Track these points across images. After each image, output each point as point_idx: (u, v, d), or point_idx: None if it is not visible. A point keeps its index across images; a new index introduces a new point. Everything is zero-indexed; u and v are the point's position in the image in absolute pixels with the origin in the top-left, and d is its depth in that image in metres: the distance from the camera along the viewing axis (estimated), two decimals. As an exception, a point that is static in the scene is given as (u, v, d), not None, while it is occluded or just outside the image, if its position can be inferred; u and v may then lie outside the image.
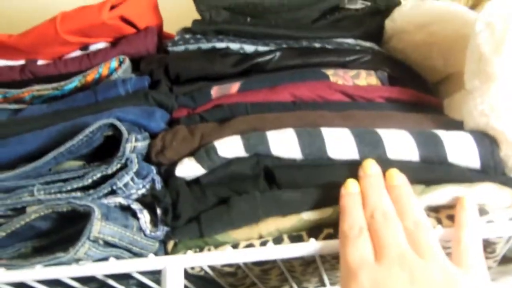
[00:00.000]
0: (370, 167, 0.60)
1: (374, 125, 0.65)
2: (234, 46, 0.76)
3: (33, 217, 0.61)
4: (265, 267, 0.67)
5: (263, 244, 0.61)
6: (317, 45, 0.76)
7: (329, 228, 0.61)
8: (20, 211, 0.64)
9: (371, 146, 0.62)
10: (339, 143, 0.62)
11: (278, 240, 0.61)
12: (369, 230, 0.56)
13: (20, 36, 0.76)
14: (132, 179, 0.63)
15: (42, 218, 0.62)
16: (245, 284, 0.74)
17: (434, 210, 0.60)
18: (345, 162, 0.63)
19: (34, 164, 0.65)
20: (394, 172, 0.59)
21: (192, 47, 0.77)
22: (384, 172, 0.60)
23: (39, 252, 0.63)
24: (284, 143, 0.63)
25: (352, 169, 0.62)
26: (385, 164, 0.61)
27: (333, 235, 0.60)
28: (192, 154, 0.65)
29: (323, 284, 0.75)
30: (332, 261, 0.66)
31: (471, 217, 0.56)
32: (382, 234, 0.54)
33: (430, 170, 0.61)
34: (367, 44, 0.77)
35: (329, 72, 0.72)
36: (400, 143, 0.61)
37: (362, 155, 0.62)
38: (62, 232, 0.64)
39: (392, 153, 0.61)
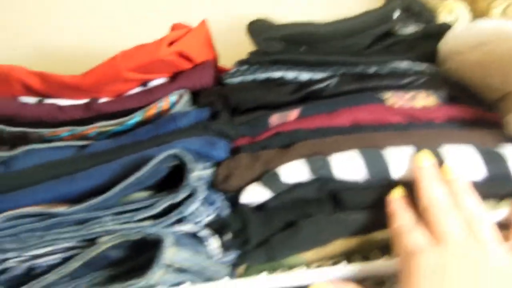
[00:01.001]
0: (423, 159, 0.61)
1: (437, 143, 0.65)
2: (290, 75, 0.77)
3: (105, 247, 0.63)
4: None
5: (335, 264, 0.61)
6: (372, 69, 0.77)
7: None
8: (92, 242, 0.66)
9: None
10: (403, 162, 0.63)
11: (348, 262, 0.61)
12: (424, 223, 0.57)
13: (82, 76, 0.79)
14: (199, 207, 0.64)
15: (115, 247, 0.64)
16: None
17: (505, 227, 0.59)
18: (410, 182, 0.63)
19: (104, 197, 0.66)
20: (449, 167, 0.60)
21: (248, 78, 0.78)
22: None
23: (114, 281, 0.64)
24: (347, 166, 0.64)
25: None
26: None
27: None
28: (256, 180, 0.66)
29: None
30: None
31: None
32: (438, 223, 0.55)
33: (498, 186, 0.61)
34: (422, 66, 0.78)
35: (386, 95, 0.73)
36: (465, 159, 0.61)
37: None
38: (135, 260, 0.65)
39: (458, 169, 0.61)
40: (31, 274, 0.66)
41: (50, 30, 1.24)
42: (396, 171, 0.63)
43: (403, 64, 0.78)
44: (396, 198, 0.61)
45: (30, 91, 0.82)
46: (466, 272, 0.50)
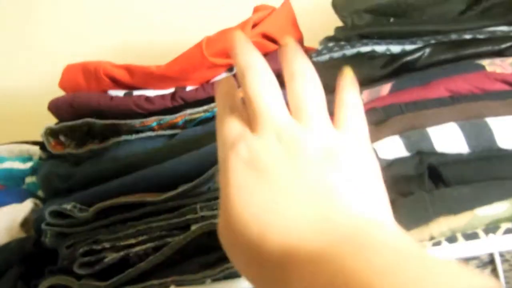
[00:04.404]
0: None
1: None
2: (380, 48, 0.73)
3: (197, 234, 0.62)
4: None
5: (437, 244, 0.57)
6: (467, 36, 0.72)
7: (507, 222, 0.57)
8: (184, 229, 0.65)
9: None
10: (509, 131, 0.58)
11: (451, 240, 0.58)
12: (243, 96, 0.45)
13: (168, 64, 0.79)
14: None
15: (207, 234, 0.63)
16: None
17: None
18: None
19: (194, 183, 0.66)
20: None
21: (336, 54, 0.75)
22: None
23: (206, 268, 0.63)
24: (448, 138, 0.60)
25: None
26: None
27: (513, 230, 0.56)
28: (351, 159, 0.63)
29: (500, 289, 0.70)
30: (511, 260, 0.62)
31: (350, 82, 0.49)
32: (254, 96, 0.43)
33: None
34: (523, 29, 0.72)
35: (485, 62, 0.68)
36: None
37: (536, 142, 0.58)
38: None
39: None
40: (125, 264, 0.66)
41: (137, 26, 1.26)
42: (503, 141, 0.58)
43: (501, 28, 0.72)
44: (224, 78, 0.50)
45: (118, 84, 0.83)
46: (283, 158, 0.41)
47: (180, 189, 0.66)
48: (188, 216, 0.65)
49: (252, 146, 0.42)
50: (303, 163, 0.41)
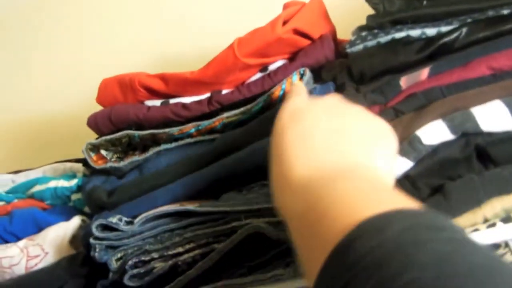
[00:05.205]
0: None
1: None
2: (415, 32, 0.71)
3: (244, 235, 0.61)
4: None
5: (491, 226, 0.55)
6: (505, 11, 0.69)
7: None
8: (230, 236, 0.64)
9: None
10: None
11: (506, 220, 0.55)
12: None
13: (201, 69, 0.78)
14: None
15: (254, 238, 0.62)
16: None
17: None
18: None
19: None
20: None
21: (370, 43, 0.74)
22: None
23: (256, 271, 0.62)
24: (493, 116, 0.58)
25: None
26: None
27: None
28: (396, 149, 0.62)
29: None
30: None
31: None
32: None
33: None
34: None
35: (526, 36, 0.66)
36: None
37: None
38: (277, 249, 0.63)
39: None
40: (174, 272, 0.66)
41: (169, 34, 1.26)
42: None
43: (541, 0, 0.70)
44: None
45: (154, 94, 0.83)
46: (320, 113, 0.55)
47: (225, 197, 0.65)
48: (234, 224, 0.64)
49: (294, 106, 0.57)
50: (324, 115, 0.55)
